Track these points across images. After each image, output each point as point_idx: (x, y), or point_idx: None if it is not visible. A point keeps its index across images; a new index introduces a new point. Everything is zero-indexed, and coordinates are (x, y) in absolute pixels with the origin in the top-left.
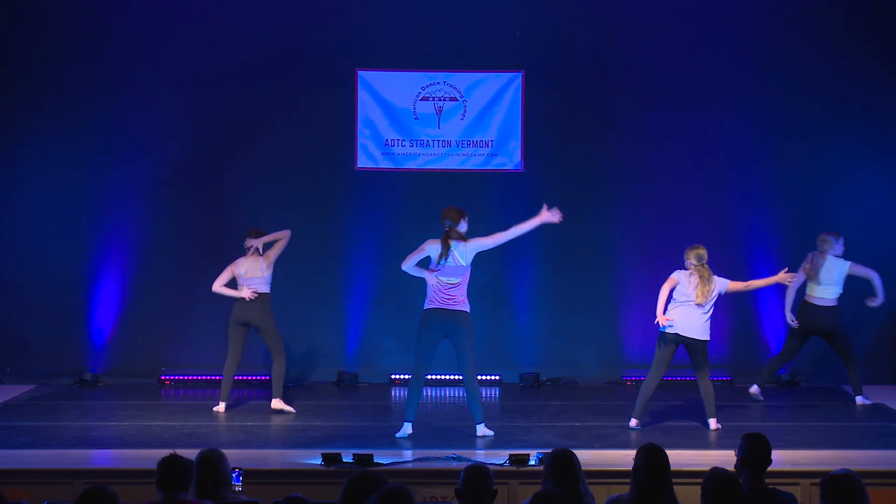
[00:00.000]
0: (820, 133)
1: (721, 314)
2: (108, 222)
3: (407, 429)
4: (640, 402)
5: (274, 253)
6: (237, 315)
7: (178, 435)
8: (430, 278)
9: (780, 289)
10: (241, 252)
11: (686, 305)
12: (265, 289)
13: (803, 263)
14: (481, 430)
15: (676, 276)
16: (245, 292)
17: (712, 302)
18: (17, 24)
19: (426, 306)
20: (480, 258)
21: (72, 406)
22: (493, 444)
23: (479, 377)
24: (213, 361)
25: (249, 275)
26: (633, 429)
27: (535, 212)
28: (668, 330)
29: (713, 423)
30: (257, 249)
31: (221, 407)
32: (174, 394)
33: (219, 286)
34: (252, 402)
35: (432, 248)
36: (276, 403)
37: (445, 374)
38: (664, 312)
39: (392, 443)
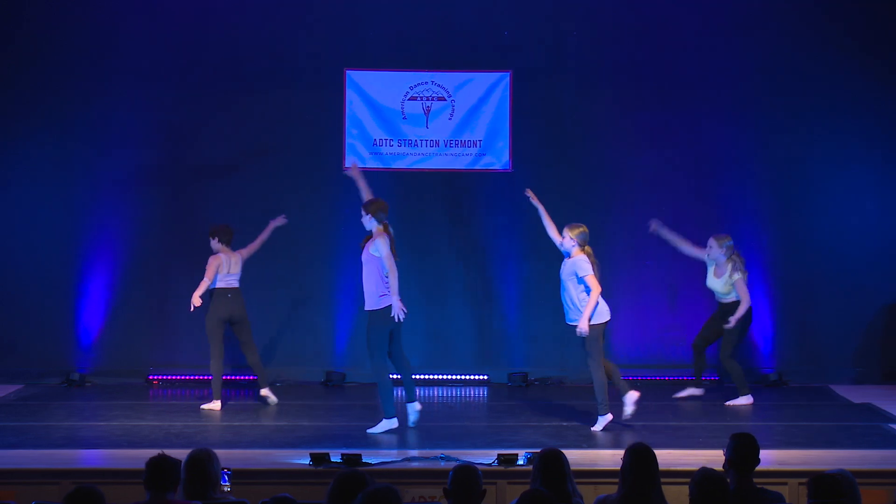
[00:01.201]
0: (807, 132)
1: (707, 313)
2: (96, 222)
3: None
4: (604, 394)
5: (247, 252)
6: (223, 312)
7: (165, 435)
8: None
9: (768, 288)
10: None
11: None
12: (238, 284)
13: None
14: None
15: (588, 263)
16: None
17: None
18: (1, 24)
19: (386, 304)
20: (469, 257)
21: (59, 406)
22: (482, 443)
23: (467, 377)
24: (201, 361)
25: (233, 270)
26: (613, 421)
27: (523, 211)
28: (603, 321)
29: (635, 395)
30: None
31: (217, 405)
32: (162, 394)
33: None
34: (240, 402)
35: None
36: (266, 391)
37: (435, 374)
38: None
39: (380, 443)
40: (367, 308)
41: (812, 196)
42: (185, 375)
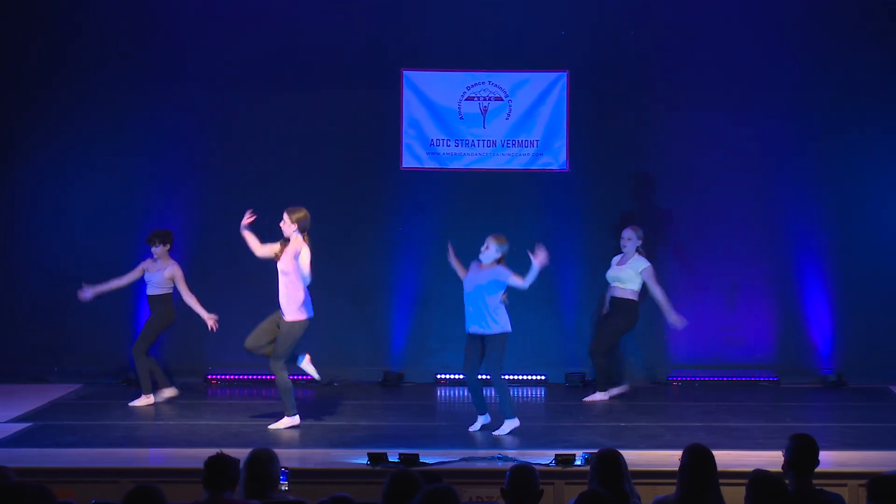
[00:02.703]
0: (866, 130)
1: (766, 314)
2: (154, 222)
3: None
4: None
5: None
6: (172, 319)
7: (223, 434)
8: None
9: (827, 288)
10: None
11: None
12: None
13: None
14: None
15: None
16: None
17: None
18: (66, 31)
19: (308, 314)
20: (526, 257)
21: (118, 405)
22: (539, 443)
23: (524, 377)
24: (260, 361)
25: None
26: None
27: (580, 211)
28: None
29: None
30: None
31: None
32: (221, 393)
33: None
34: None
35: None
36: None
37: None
38: None
39: (437, 442)
40: (299, 318)
41: (871, 195)
42: (244, 375)
